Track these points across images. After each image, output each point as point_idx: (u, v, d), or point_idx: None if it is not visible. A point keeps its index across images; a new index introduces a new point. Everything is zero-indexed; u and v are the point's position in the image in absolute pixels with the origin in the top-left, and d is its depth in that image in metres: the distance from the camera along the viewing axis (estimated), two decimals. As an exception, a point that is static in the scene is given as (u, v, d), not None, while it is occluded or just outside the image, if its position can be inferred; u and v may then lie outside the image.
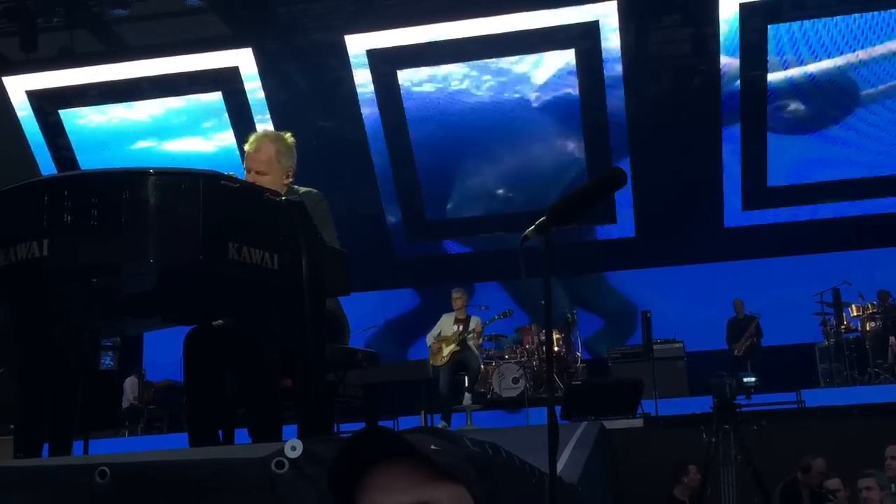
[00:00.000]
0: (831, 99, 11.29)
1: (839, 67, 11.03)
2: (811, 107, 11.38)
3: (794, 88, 11.29)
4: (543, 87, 11.59)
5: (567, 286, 12.10)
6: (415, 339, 11.05)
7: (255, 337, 3.04)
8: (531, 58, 11.45)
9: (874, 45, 10.86)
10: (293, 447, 1.79)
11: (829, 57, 11.00)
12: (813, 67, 11.08)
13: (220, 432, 3.29)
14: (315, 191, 3.45)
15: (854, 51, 10.91)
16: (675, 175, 11.32)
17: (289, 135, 3.52)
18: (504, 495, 2.28)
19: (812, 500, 6.06)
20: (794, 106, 11.42)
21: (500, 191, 12.42)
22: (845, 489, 5.59)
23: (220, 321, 3.26)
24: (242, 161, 3.50)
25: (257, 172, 3.30)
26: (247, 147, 3.42)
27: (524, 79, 11.59)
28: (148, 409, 10.89)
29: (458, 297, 8.71)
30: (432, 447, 1.08)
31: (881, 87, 11.10)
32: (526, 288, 1.89)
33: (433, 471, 1.07)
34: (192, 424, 3.21)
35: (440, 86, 11.73)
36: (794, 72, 11.17)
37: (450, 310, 8.74)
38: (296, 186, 3.45)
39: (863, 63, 10.99)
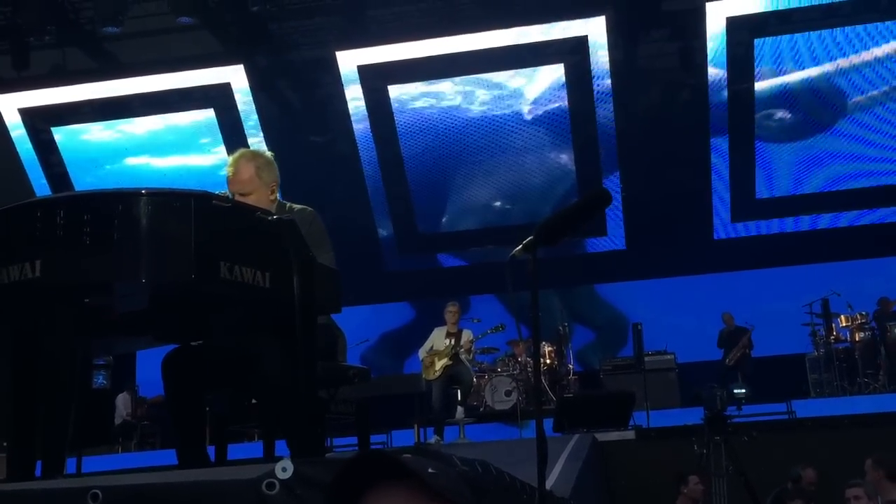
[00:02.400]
0: (818, 109, 11.38)
1: (825, 76, 11.12)
2: (798, 117, 11.48)
3: (781, 99, 11.39)
4: (536, 101, 11.66)
5: (561, 299, 12.13)
6: (411, 353, 11.04)
7: (245, 356, 3.06)
8: (524, 72, 11.52)
9: (860, 53, 10.96)
10: (284, 468, 1.81)
11: (814, 67, 11.09)
12: (799, 77, 11.18)
13: (211, 449, 3.30)
14: (309, 209, 3.40)
15: (838, 60, 11.01)
16: (664, 187, 11.39)
17: (266, 150, 3.43)
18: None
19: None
20: (781, 115, 11.51)
21: (496, 203, 12.45)
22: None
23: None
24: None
25: (241, 194, 3.24)
26: (226, 170, 3.33)
27: (517, 93, 11.65)
28: (141, 425, 10.84)
29: (452, 310, 8.70)
30: (429, 470, 1.09)
31: (861, 97, 11.18)
32: (516, 304, 1.92)
33: (430, 493, 1.09)
34: (178, 444, 3.22)
35: (433, 101, 11.78)
36: (781, 82, 11.26)
37: (445, 323, 8.75)
38: (288, 204, 3.42)
39: (847, 72, 11.08)
